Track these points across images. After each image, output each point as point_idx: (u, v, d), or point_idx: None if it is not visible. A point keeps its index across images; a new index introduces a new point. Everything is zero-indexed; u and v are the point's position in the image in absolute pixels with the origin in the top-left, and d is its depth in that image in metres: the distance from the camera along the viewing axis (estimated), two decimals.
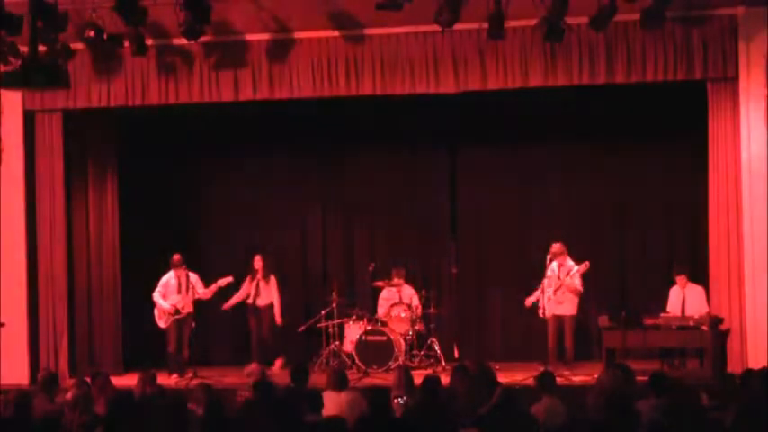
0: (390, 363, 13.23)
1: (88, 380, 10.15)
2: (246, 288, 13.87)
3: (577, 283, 12.96)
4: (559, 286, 12.88)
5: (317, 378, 11.47)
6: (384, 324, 13.62)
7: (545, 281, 12.90)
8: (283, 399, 9.21)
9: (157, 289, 13.41)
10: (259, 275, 13.87)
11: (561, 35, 11.50)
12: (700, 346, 12.46)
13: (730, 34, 12.16)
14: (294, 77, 12.88)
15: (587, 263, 12.87)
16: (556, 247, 12.98)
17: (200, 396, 9.23)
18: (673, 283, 13.05)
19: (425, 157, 15.17)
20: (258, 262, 13.88)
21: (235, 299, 13.94)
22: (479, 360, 10.10)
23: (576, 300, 13.03)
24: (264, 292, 13.91)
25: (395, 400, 9.23)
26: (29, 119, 13.52)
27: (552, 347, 13.00)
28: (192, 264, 13.55)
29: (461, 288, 14.86)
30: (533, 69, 12.44)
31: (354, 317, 13.81)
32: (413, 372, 10.31)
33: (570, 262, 13.00)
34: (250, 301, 13.87)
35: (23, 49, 10.68)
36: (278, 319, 13.97)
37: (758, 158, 12.20)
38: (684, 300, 12.88)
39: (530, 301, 13.16)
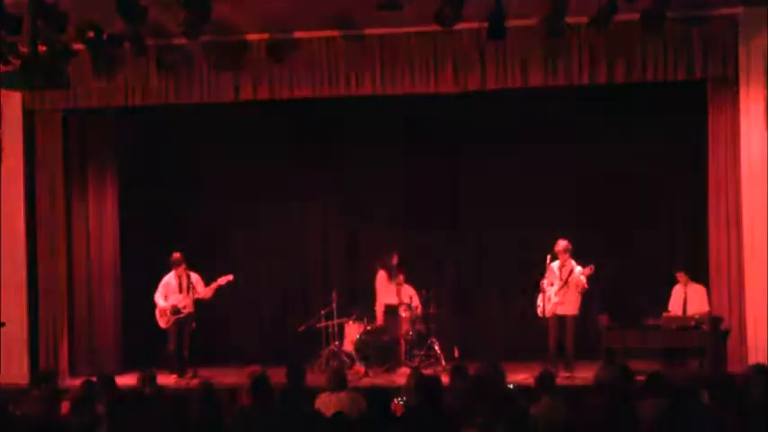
0: (390, 363, 13.23)
1: (93, 380, 10.16)
2: (394, 290, 13.78)
3: (584, 280, 12.90)
4: (562, 286, 12.85)
5: (317, 378, 11.49)
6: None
7: (544, 281, 12.89)
8: (281, 398, 9.23)
9: (158, 290, 13.41)
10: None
11: (561, 34, 11.51)
12: (700, 346, 12.46)
13: (730, 34, 12.16)
14: (294, 77, 12.89)
15: (592, 266, 12.83)
16: (562, 243, 12.91)
17: (199, 395, 9.24)
18: (674, 281, 13.05)
19: (425, 156, 15.17)
20: (396, 259, 13.84)
21: (382, 306, 13.79)
22: (492, 363, 10.04)
23: (579, 299, 13.00)
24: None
25: (395, 400, 9.24)
26: (29, 119, 13.52)
27: (553, 347, 12.98)
28: (192, 263, 13.55)
29: (461, 288, 14.86)
30: (533, 69, 12.44)
31: (354, 317, 13.81)
32: None
33: (572, 262, 12.96)
34: (396, 301, 13.81)
35: (23, 49, 10.69)
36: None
37: (758, 158, 12.21)
38: (686, 299, 12.89)
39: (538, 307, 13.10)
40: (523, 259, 14.56)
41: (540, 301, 12.95)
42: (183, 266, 13.37)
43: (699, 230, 13.54)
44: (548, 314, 12.85)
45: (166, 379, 12.75)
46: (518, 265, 14.62)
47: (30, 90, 12.27)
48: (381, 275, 13.82)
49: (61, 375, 12.96)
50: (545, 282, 12.88)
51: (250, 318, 15.41)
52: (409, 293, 14.04)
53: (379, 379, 12.67)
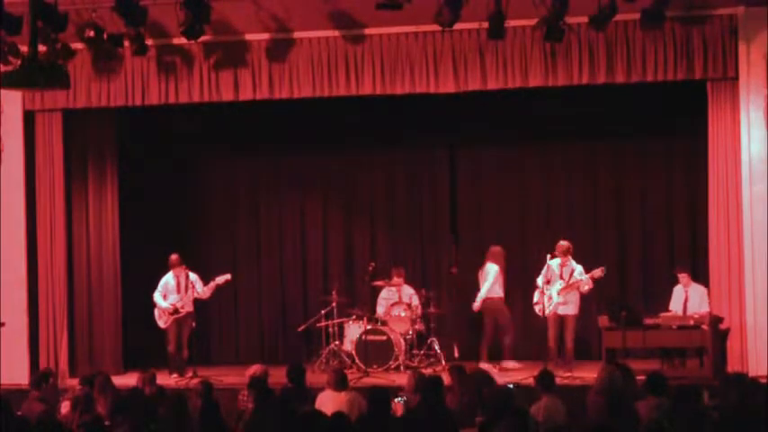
0: (390, 363, 13.23)
1: (93, 379, 10.17)
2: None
3: (591, 284, 12.90)
4: (565, 287, 12.83)
5: (317, 378, 11.49)
6: (384, 324, 13.62)
7: (539, 278, 12.88)
8: (282, 398, 9.22)
9: (158, 289, 13.40)
10: None
11: (561, 35, 11.51)
12: (700, 345, 12.46)
13: (730, 34, 12.15)
14: (294, 77, 12.87)
15: (603, 269, 12.81)
16: (564, 244, 12.89)
17: (199, 393, 9.25)
18: (675, 281, 13.05)
19: (425, 156, 15.18)
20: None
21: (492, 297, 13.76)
22: (477, 368, 10.10)
23: (579, 299, 13.01)
24: None
25: (395, 400, 9.24)
26: (29, 119, 13.52)
27: (553, 347, 12.98)
28: (191, 264, 13.54)
29: (461, 288, 14.85)
30: (533, 69, 12.43)
31: (354, 317, 13.81)
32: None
33: (573, 262, 12.96)
34: (503, 294, 13.95)
35: (23, 49, 10.69)
36: None
37: (758, 158, 12.20)
38: (687, 299, 12.88)
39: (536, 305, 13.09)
40: (523, 259, 14.56)
41: (537, 299, 12.95)
42: (182, 267, 13.35)
43: (699, 230, 13.55)
44: (548, 314, 12.83)
45: (166, 379, 12.75)
46: (518, 265, 14.61)
47: (30, 90, 12.26)
48: (494, 267, 13.70)
49: (61, 375, 12.96)
50: (540, 279, 12.87)
51: (250, 318, 15.40)
52: (409, 293, 14.05)
53: (379, 379, 12.65)
